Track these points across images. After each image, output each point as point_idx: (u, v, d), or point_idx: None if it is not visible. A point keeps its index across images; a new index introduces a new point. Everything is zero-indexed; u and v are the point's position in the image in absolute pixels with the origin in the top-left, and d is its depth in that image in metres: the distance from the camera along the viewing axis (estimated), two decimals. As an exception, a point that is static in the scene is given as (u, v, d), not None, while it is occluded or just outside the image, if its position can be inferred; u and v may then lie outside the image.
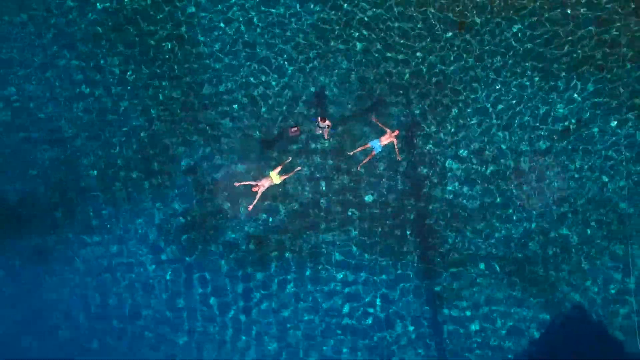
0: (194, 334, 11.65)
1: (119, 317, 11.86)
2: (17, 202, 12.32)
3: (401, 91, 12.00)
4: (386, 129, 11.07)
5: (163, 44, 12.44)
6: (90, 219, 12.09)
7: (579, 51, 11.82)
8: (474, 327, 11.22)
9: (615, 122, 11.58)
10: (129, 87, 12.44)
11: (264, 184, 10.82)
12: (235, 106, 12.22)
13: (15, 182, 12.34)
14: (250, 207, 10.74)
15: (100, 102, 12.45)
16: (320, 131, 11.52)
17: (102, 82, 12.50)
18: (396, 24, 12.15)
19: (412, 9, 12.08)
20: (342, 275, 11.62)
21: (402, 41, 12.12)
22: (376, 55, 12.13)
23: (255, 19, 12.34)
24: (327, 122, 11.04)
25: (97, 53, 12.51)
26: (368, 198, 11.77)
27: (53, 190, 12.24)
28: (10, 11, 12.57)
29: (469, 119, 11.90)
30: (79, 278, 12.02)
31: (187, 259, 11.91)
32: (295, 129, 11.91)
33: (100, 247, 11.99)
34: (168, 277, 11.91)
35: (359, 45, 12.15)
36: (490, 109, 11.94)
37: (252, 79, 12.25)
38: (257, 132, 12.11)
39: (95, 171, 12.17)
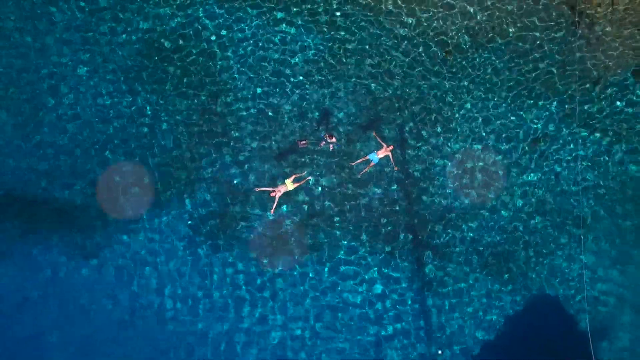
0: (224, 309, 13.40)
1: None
2: (64, 201, 14.01)
3: (397, 112, 14.23)
4: (382, 144, 13.25)
5: (187, 61, 14.37)
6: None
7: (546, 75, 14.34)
8: (457, 314, 13.34)
9: (575, 135, 14.08)
10: (161, 101, 14.30)
11: (280, 190, 12.85)
12: (251, 122, 14.21)
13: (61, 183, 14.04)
14: (272, 210, 12.77)
15: (135, 114, 14.28)
16: (325, 144, 13.62)
17: (137, 96, 14.32)
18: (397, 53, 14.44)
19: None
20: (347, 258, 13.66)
21: (399, 69, 14.40)
22: (373, 79, 14.35)
23: (270, 39, 14.40)
24: (334, 139, 13.18)
25: (131, 69, 14.35)
26: (365, 200, 13.92)
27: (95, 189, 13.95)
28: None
29: (452, 133, 14.21)
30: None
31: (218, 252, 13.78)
32: (304, 142, 13.98)
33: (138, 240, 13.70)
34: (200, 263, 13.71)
35: (361, 69, 14.34)
36: (472, 125, 14.29)
37: (267, 98, 14.28)
38: (274, 144, 14.11)
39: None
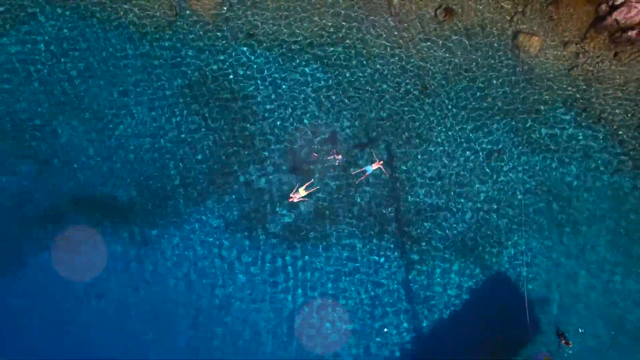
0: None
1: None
2: (128, 200, 18.37)
3: (387, 135, 18.72)
4: (376, 158, 17.73)
5: (227, 89, 18.76)
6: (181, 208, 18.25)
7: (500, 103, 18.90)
8: (438, 281, 17.86)
9: (520, 151, 18.64)
10: (206, 125, 18.71)
11: (295, 197, 17.27)
12: (275, 141, 18.63)
13: (125, 185, 18.38)
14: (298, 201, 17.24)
15: (185, 131, 18.69)
16: (333, 159, 18.07)
17: (187, 118, 18.71)
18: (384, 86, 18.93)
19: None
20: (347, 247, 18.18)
21: (391, 104, 18.90)
22: (370, 108, 18.86)
23: (292, 78, 18.85)
24: (340, 156, 17.65)
25: (181, 96, 18.73)
26: (361, 198, 18.38)
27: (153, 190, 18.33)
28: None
29: (428, 151, 18.73)
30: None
31: (247, 242, 18.22)
32: (316, 155, 18.42)
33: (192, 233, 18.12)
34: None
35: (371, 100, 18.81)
36: (443, 143, 18.80)
37: (285, 124, 18.72)
38: (290, 158, 18.52)
39: (177, 180, 18.37)
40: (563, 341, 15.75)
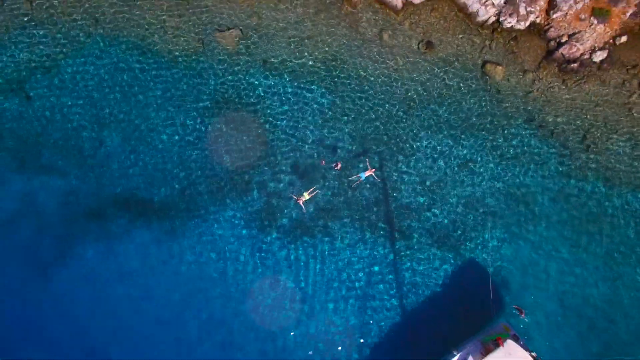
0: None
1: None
2: (162, 198, 22.00)
3: (378, 146, 22.65)
4: (369, 166, 21.63)
5: (251, 108, 22.59)
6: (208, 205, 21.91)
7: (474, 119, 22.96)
8: (420, 267, 21.68)
9: (485, 160, 22.64)
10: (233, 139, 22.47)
11: (301, 199, 21.02)
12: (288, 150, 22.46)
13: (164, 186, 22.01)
14: (304, 210, 20.99)
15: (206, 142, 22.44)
16: (335, 167, 21.95)
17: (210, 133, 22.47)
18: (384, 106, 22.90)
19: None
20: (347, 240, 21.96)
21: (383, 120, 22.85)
22: (365, 124, 22.81)
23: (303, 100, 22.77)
24: (340, 166, 21.55)
25: (207, 115, 22.52)
26: (356, 199, 22.21)
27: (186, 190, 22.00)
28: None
29: (413, 160, 22.68)
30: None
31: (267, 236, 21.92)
32: (324, 162, 22.27)
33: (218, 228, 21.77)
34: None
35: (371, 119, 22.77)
36: (426, 153, 22.75)
37: (297, 140, 22.58)
38: (297, 164, 22.34)
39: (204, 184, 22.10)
40: (519, 313, 19.64)
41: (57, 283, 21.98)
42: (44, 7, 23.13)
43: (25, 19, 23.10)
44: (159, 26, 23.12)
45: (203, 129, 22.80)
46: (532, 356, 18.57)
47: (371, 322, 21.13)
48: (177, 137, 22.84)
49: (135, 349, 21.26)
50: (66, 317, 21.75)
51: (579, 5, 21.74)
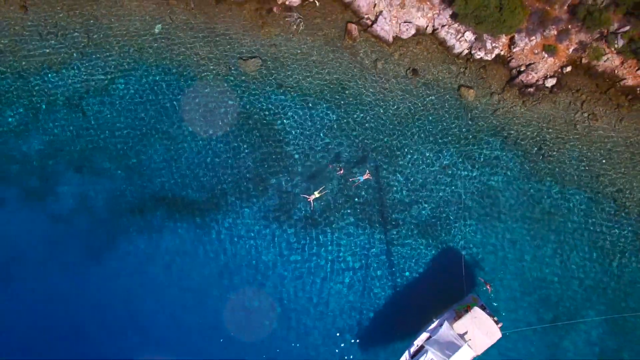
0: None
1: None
2: (194, 198, 26.78)
3: (373, 154, 27.72)
4: (366, 170, 26.65)
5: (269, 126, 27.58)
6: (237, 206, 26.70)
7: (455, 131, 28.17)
8: (407, 251, 26.63)
9: (461, 166, 27.80)
10: (259, 151, 27.42)
11: (312, 197, 25.91)
12: (300, 156, 27.43)
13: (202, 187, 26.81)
14: (312, 206, 25.90)
15: (233, 152, 27.35)
16: (339, 172, 26.96)
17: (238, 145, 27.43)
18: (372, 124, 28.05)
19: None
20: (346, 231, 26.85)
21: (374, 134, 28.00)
22: (363, 138, 27.91)
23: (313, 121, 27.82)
24: (342, 171, 26.57)
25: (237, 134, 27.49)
26: (355, 198, 27.21)
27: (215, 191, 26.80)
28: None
29: (401, 166, 27.78)
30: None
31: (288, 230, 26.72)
32: (331, 166, 27.26)
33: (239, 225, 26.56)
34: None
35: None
36: (413, 163, 27.83)
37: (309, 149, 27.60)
38: (308, 169, 27.30)
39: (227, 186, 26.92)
40: (486, 285, 24.64)
41: (107, 264, 26.57)
42: (99, 40, 28.04)
43: (82, 50, 27.98)
44: (193, 55, 28.16)
45: (228, 139, 27.70)
46: (494, 320, 23.54)
47: (367, 295, 26.01)
48: (206, 145, 27.71)
49: (166, 310, 25.73)
50: (114, 290, 26.24)
51: (533, 42, 27.21)
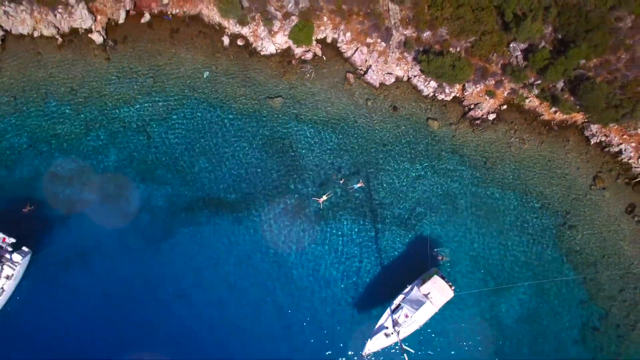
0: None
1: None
2: (231, 200, 36.24)
3: (365, 167, 37.85)
4: (360, 179, 36.71)
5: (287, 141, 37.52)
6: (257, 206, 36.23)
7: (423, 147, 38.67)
8: (391, 237, 36.55)
9: (431, 176, 38.22)
10: (274, 162, 37.24)
11: (321, 199, 35.78)
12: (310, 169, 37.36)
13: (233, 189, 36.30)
14: (321, 206, 35.67)
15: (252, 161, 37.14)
16: (340, 181, 36.94)
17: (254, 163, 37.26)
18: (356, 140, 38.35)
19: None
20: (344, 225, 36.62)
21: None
22: (360, 153, 38.17)
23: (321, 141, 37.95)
24: (343, 180, 36.56)
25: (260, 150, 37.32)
26: (352, 199, 37.13)
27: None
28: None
29: (386, 176, 37.97)
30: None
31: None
32: (335, 176, 37.28)
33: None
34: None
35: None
36: (394, 174, 38.06)
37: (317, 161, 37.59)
38: (317, 178, 37.18)
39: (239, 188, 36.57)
40: (441, 257, 34.72)
41: (163, 253, 35.47)
42: (161, 82, 37.68)
43: (149, 89, 37.55)
44: (232, 94, 38.06)
45: (258, 155, 37.42)
46: (449, 285, 33.48)
47: (361, 270, 35.74)
48: (241, 161, 37.37)
49: (207, 291, 34.81)
50: (168, 270, 35.07)
51: (478, 88, 38.23)
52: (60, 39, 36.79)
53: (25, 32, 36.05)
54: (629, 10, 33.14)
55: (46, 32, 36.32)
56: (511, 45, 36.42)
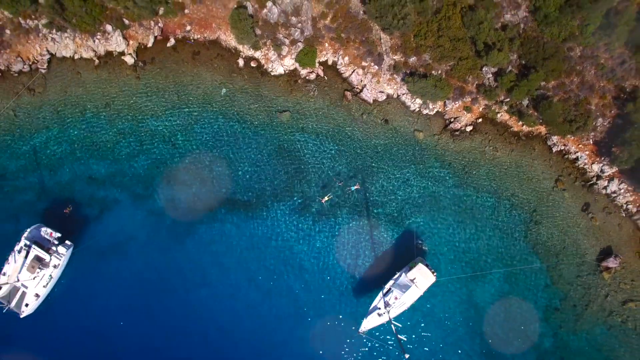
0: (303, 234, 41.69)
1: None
2: (244, 200, 42.04)
3: (360, 171, 43.99)
4: (357, 182, 42.76)
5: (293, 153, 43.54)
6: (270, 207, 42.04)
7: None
8: (383, 231, 42.57)
9: (416, 181, 44.45)
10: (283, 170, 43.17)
11: (324, 200, 41.75)
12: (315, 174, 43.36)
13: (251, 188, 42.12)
14: (325, 205, 41.61)
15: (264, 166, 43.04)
16: (339, 184, 42.96)
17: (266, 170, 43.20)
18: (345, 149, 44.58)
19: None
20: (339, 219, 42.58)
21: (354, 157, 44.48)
22: (357, 158, 44.32)
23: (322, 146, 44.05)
24: (342, 183, 42.59)
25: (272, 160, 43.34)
26: (350, 199, 43.16)
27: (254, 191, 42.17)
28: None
29: (378, 179, 44.12)
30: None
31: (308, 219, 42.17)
32: (335, 180, 43.32)
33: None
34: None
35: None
36: (387, 175, 44.23)
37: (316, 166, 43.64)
38: (320, 181, 43.16)
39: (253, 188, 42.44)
40: (422, 245, 40.80)
41: (187, 246, 41.03)
42: (184, 97, 43.49)
43: (174, 104, 43.33)
44: (247, 109, 44.03)
45: (268, 162, 43.29)
46: (432, 271, 39.53)
47: (358, 258, 41.65)
48: (255, 166, 43.20)
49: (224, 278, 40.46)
50: (191, 263, 40.62)
51: (457, 104, 44.80)
52: (97, 61, 42.45)
53: (67, 55, 41.63)
54: (577, 43, 40.13)
55: (85, 55, 41.93)
56: (484, 69, 43.13)
